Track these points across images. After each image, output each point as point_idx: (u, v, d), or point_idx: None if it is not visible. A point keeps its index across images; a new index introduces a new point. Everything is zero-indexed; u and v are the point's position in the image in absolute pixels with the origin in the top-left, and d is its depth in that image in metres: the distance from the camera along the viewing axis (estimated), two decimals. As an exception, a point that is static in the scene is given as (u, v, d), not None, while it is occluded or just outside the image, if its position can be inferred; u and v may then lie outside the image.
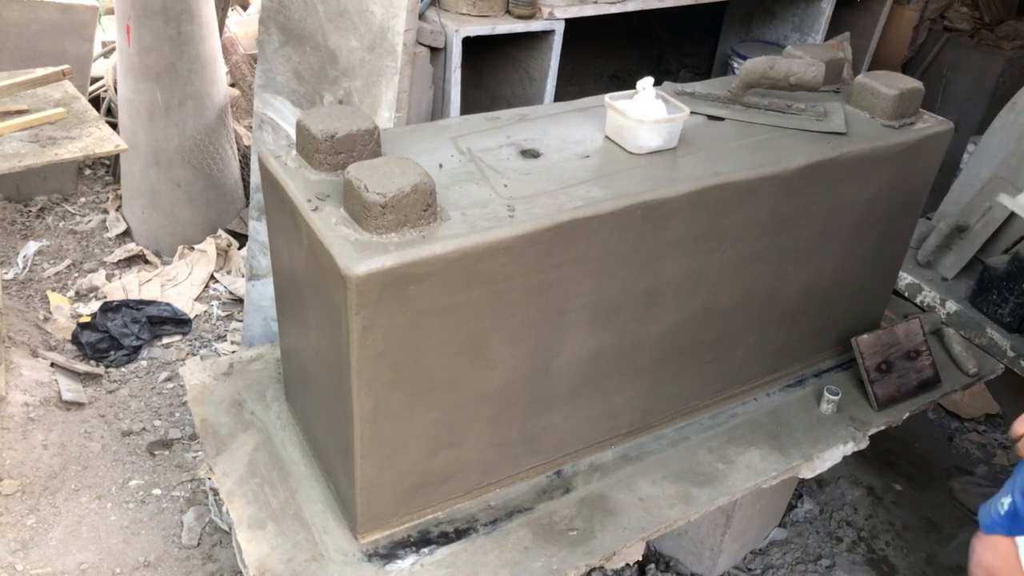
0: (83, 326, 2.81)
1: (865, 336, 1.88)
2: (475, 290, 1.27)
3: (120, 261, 3.28)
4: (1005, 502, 1.31)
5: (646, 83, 1.51)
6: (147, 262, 3.31)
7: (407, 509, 1.48)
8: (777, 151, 1.56)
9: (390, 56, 2.06)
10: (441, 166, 1.41)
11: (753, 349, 1.79)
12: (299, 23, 2.29)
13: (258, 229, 2.51)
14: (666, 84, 1.78)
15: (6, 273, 3.12)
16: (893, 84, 1.72)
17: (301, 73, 2.34)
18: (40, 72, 2.44)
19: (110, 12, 3.74)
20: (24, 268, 3.17)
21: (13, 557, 2.06)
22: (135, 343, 2.80)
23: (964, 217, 2.53)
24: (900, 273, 2.43)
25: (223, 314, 3.08)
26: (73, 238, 3.40)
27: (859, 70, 3.50)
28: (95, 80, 3.82)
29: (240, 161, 3.51)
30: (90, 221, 3.50)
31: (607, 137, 1.55)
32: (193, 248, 3.32)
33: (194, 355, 2.87)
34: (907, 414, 1.91)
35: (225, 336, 2.97)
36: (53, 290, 3.10)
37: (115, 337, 2.77)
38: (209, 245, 3.31)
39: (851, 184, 1.67)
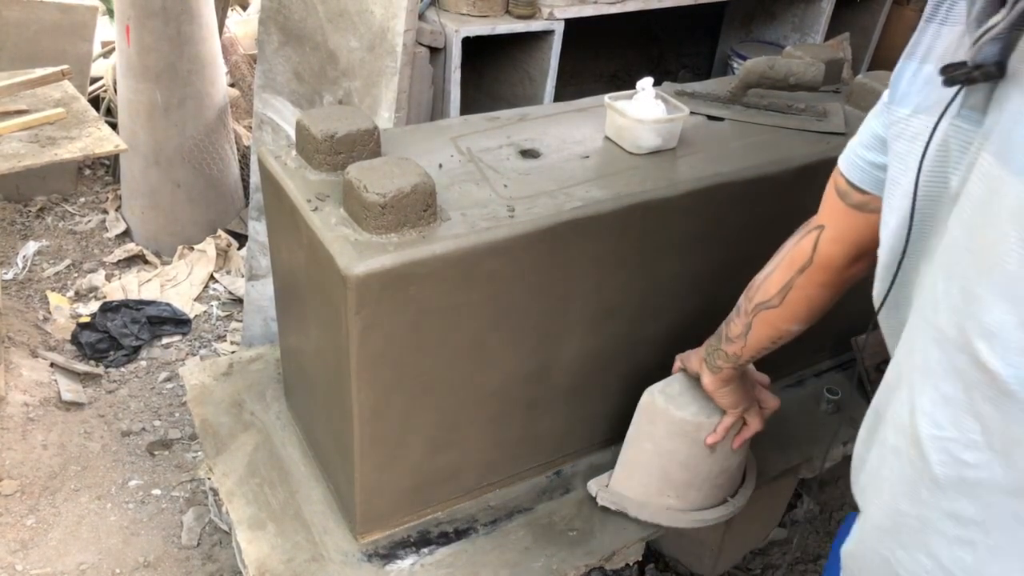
0: (83, 326, 2.81)
1: (865, 336, 1.88)
2: (475, 290, 1.27)
3: (120, 261, 3.27)
4: None
5: (646, 83, 1.51)
6: (147, 262, 3.31)
7: (407, 509, 1.48)
8: (777, 151, 1.56)
9: (390, 56, 2.06)
10: (441, 166, 1.41)
11: (753, 349, 1.79)
12: (299, 23, 2.29)
13: (258, 229, 2.51)
14: (666, 84, 1.78)
15: (6, 273, 3.11)
16: (893, 84, 1.72)
17: (301, 73, 2.34)
18: (40, 72, 2.44)
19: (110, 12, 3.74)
20: (24, 268, 3.17)
21: (13, 557, 2.06)
22: (135, 343, 2.80)
23: (964, 217, 2.52)
24: (900, 273, 2.42)
25: (223, 314, 3.08)
26: (73, 238, 3.39)
27: (859, 70, 3.50)
28: (95, 80, 3.82)
29: (240, 161, 3.51)
30: (90, 221, 3.49)
31: (607, 137, 1.55)
32: (193, 248, 3.32)
33: (194, 355, 2.86)
34: (907, 414, 1.90)
35: (225, 336, 2.97)
36: (53, 290, 3.09)
37: (115, 337, 2.77)
38: (209, 245, 3.30)
39: (851, 184, 1.67)
